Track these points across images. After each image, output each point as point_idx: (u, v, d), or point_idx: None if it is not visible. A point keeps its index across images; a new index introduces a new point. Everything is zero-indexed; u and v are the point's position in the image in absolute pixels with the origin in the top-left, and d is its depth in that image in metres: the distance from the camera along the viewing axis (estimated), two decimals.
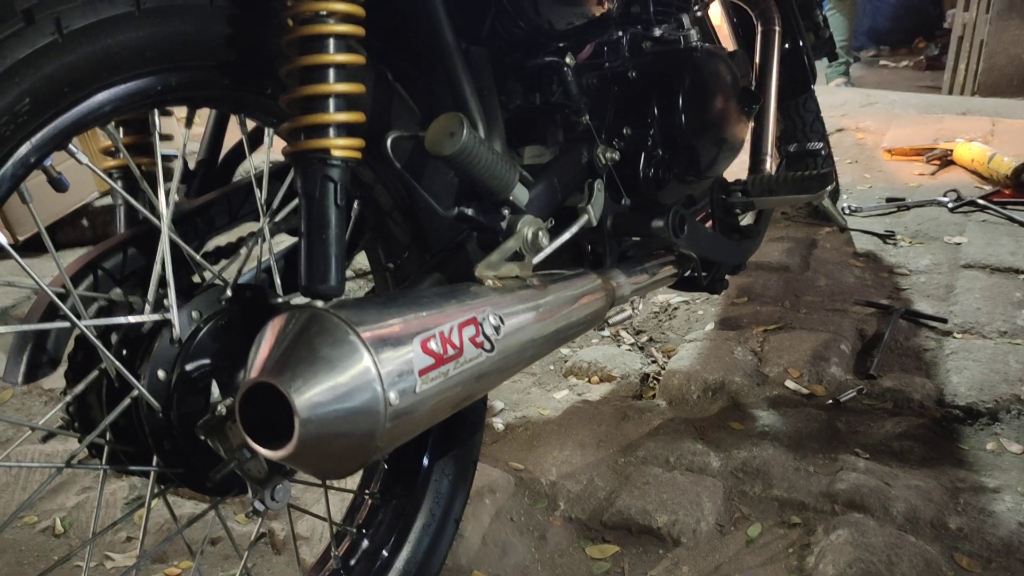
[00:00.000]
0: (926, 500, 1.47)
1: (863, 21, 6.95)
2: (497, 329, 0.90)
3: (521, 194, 1.03)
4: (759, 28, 1.84)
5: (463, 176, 0.96)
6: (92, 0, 0.74)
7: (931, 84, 6.01)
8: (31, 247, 2.71)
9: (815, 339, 2.03)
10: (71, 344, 0.90)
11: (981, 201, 2.91)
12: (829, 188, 1.47)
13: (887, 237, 2.71)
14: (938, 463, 1.60)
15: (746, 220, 1.75)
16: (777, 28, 1.84)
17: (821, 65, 2.36)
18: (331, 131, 0.85)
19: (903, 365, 1.96)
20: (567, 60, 1.27)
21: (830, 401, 1.82)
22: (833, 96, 4.62)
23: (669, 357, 2.06)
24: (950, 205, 2.92)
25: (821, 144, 1.83)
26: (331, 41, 0.84)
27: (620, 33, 1.40)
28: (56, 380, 0.90)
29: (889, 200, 3.04)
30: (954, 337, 2.05)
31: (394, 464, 1.18)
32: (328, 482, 1.15)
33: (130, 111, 0.81)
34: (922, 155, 3.51)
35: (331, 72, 0.84)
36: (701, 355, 2.00)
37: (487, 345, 0.88)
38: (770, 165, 1.71)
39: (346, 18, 0.85)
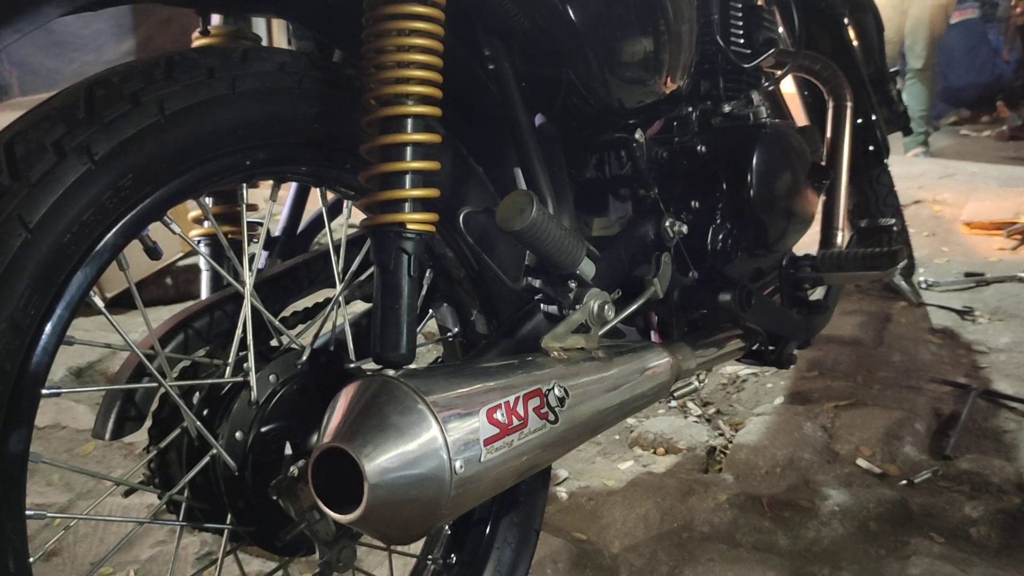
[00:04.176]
0: None
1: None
2: (562, 401, 0.91)
3: (588, 268, 1.05)
4: (830, 103, 1.86)
5: (532, 250, 0.99)
6: (192, 84, 0.80)
7: (1014, 155, 5.89)
8: (117, 303, 2.83)
9: (888, 417, 1.98)
10: (155, 402, 0.95)
11: None
12: (899, 266, 1.46)
13: (965, 313, 2.65)
14: (1017, 551, 1.54)
15: (816, 295, 1.74)
16: (848, 103, 1.85)
17: (899, 134, 2.35)
18: (407, 206, 0.89)
19: (981, 447, 1.90)
20: (636, 136, 1.30)
21: (903, 482, 1.78)
22: (910, 167, 4.57)
23: (736, 430, 2.03)
24: None
25: (894, 220, 1.81)
26: (409, 121, 0.88)
27: (690, 109, 1.43)
28: (135, 434, 0.95)
29: (968, 275, 2.98)
30: None
31: (457, 530, 1.20)
32: (392, 546, 1.17)
33: (221, 184, 0.87)
34: (1002, 229, 3.43)
35: (408, 150, 0.88)
36: (769, 429, 1.97)
37: (551, 416, 0.90)
38: (841, 240, 1.70)
39: (424, 99, 0.89)
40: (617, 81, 1.19)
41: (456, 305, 1.17)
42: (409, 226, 0.88)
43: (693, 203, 1.41)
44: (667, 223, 1.31)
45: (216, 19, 1.04)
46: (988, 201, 3.83)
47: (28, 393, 0.72)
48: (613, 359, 1.05)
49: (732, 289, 1.33)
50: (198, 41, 1.04)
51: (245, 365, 0.92)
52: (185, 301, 3.00)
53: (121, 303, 2.84)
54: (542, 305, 1.11)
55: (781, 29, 1.68)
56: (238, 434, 0.90)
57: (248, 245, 0.97)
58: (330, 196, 1.10)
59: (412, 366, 0.89)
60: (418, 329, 0.97)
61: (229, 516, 0.91)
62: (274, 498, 0.87)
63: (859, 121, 1.95)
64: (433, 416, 0.77)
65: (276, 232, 1.26)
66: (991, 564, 1.49)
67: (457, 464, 0.77)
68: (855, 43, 2.02)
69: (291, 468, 0.85)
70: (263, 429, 0.91)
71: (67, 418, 2.09)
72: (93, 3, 0.75)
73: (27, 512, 0.75)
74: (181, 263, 3.13)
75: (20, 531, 0.74)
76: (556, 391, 0.91)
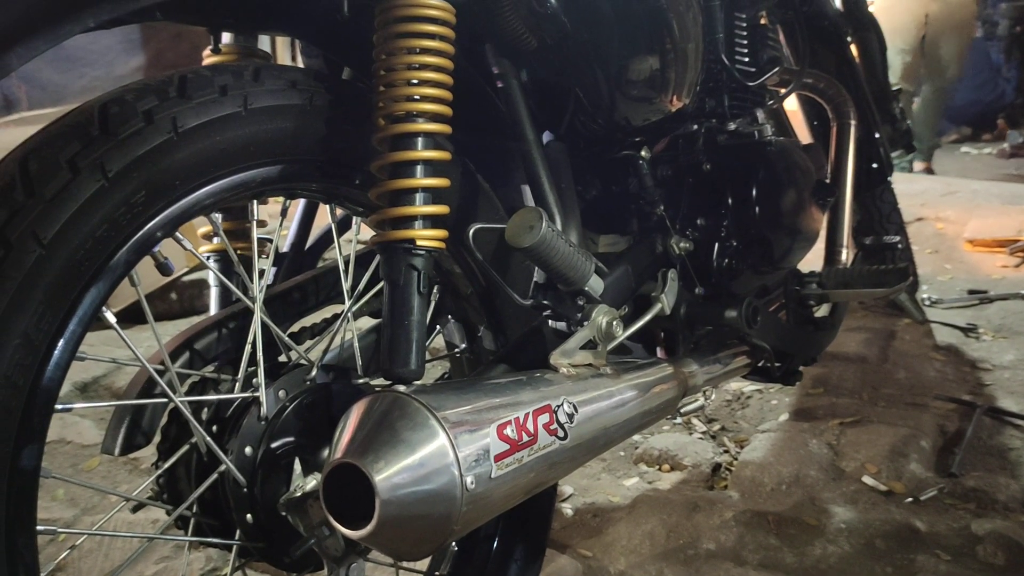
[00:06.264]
0: None
1: None
2: (571, 417, 0.91)
3: (596, 284, 1.05)
4: (834, 121, 1.86)
5: (541, 267, 0.99)
6: (205, 101, 0.81)
7: (1015, 172, 5.90)
8: (121, 317, 2.83)
9: (894, 434, 1.98)
10: (164, 418, 0.95)
11: None
12: (906, 283, 1.47)
13: (969, 330, 2.65)
14: None
15: (821, 312, 1.74)
16: (852, 121, 1.85)
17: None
18: (417, 223, 0.89)
19: (986, 464, 1.90)
20: (642, 153, 1.31)
21: (909, 499, 1.77)
22: (913, 184, 4.57)
23: (741, 447, 2.03)
24: None
25: (898, 237, 1.82)
26: (419, 139, 0.89)
27: (695, 126, 1.44)
28: (140, 450, 0.94)
29: (971, 292, 2.98)
30: None
31: (464, 547, 1.19)
32: (400, 562, 1.17)
33: (233, 201, 0.87)
34: (1005, 247, 3.44)
35: (419, 168, 0.89)
36: (775, 446, 1.96)
37: (561, 433, 0.90)
38: (846, 257, 1.71)
39: (434, 117, 0.90)
40: (624, 99, 1.20)
41: (464, 321, 1.17)
42: (419, 243, 0.89)
43: (699, 220, 1.41)
44: (673, 240, 1.31)
45: (227, 37, 1.05)
46: (990, 219, 3.83)
47: (40, 409, 0.73)
48: (621, 375, 1.06)
49: (738, 306, 1.33)
50: (209, 59, 1.04)
51: (254, 380, 0.92)
52: (190, 316, 3.01)
53: (125, 317, 2.84)
54: (550, 321, 1.11)
55: (785, 48, 1.69)
56: (247, 450, 0.90)
57: (258, 262, 0.97)
58: (339, 212, 1.11)
59: (420, 382, 0.90)
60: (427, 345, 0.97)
61: (238, 532, 0.91)
62: (283, 514, 0.88)
63: (862, 139, 1.95)
64: (444, 432, 0.77)
65: (284, 248, 1.27)
66: None
67: (468, 480, 0.77)
68: (858, 61, 2.03)
69: (301, 484, 0.85)
70: (272, 445, 0.91)
71: (72, 433, 2.08)
72: (109, 22, 0.76)
73: (38, 527, 0.75)
74: (186, 278, 3.13)
75: (31, 546, 0.74)
76: (565, 407, 0.91)
